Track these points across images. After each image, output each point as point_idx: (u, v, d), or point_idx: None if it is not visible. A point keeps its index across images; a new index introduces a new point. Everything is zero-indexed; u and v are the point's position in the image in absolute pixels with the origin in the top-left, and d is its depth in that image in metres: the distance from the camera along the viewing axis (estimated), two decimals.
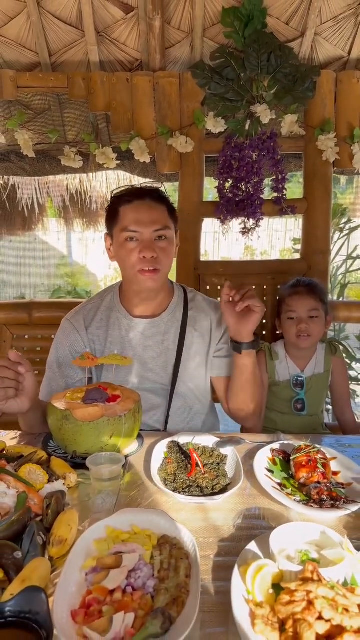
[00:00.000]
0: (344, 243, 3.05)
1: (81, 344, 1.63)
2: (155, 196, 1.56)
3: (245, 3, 2.04)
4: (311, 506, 1.08)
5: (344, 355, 3.28)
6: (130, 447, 1.36)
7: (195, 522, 1.06)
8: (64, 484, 1.14)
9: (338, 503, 1.08)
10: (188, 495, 1.11)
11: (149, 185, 1.60)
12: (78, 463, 1.24)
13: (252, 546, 0.91)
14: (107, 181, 5.14)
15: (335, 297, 3.22)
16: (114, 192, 1.60)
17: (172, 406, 1.64)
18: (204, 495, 1.12)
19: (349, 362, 3.26)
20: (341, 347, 2.04)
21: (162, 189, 1.62)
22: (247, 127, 2.14)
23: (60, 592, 0.78)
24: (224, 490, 1.14)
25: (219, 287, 2.28)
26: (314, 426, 1.95)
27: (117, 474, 1.18)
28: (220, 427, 1.86)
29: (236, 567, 0.84)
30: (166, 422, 1.65)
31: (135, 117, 2.18)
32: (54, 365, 1.64)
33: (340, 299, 3.19)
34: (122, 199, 1.55)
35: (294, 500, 1.11)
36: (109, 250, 1.62)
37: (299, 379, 1.91)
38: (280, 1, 2.07)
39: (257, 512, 1.10)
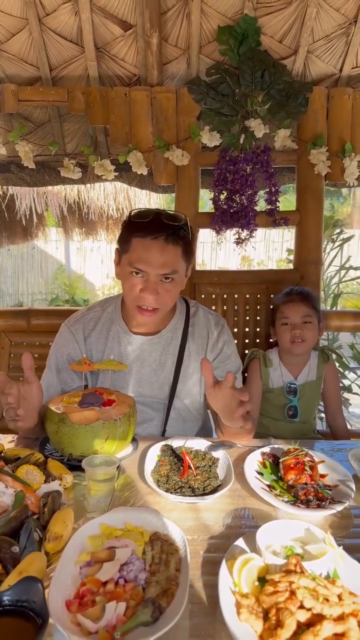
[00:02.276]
0: (337, 254, 3.11)
1: (78, 352, 1.63)
2: (172, 235, 1.44)
3: (240, 22, 2.11)
4: (298, 506, 1.13)
5: (337, 364, 3.33)
6: (125, 450, 1.40)
7: (187, 521, 1.09)
8: (60, 484, 1.17)
9: (324, 503, 1.12)
10: (180, 495, 1.15)
11: (169, 216, 1.46)
12: (74, 465, 1.28)
13: (240, 542, 0.94)
14: (105, 192, 5.22)
15: (328, 307, 3.28)
16: (133, 214, 1.49)
17: (168, 419, 1.65)
18: (195, 496, 1.16)
19: (342, 370, 3.30)
20: (333, 355, 2.08)
21: (186, 219, 1.50)
22: (241, 141, 2.20)
23: (56, 583, 0.82)
24: (214, 491, 1.18)
25: (213, 296, 2.33)
26: (305, 432, 1.99)
27: (111, 476, 1.21)
28: (213, 434, 1.88)
29: (224, 561, 0.88)
30: (163, 434, 1.67)
31: (133, 130, 2.24)
32: (53, 368, 1.65)
33: (334, 309, 3.25)
34: (138, 228, 1.45)
35: (282, 500, 1.15)
36: (116, 265, 1.57)
37: (292, 386, 1.95)
38: (273, 20, 2.15)
39: (246, 512, 1.14)
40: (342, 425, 2.04)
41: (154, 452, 1.36)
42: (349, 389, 3.23)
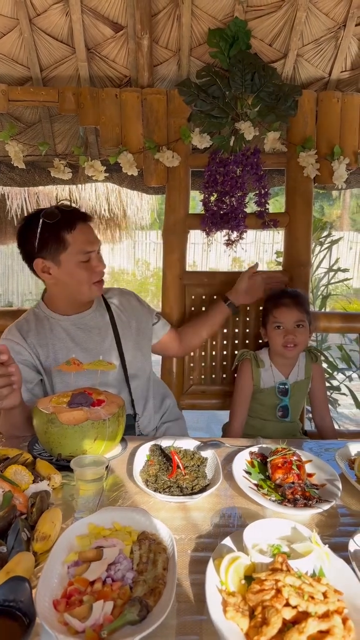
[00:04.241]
0: (325, 255, 3.14)
1: (25, 352, 1.69)
2: (86, 216, 1.73)
3: (231, 24, 2.12)
4: (285, 505, 1.14)
5: (326, 365, 3.36)
6: (114, 450, 1.41)
7: (175, 520, 1.10)
8: (48, 484, 1.18)
9: (311, 502, 1.13)
10: (168, 495, 1.16)
11: (68, 205, 1.71)
12: (63, 465, 1.28)
13: (227, 541, 0.95)
14: (97, 192, 5.21)
15: (317, 308, 3.30)
16: (44, 217, 1.61)
17: (132, 388, 1.79)
18: (184, 495, 1.16)
19: (330, 371, 3.34)
20: (321, 356, 2.10)
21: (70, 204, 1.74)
22: (231, 143, 2.21)
23: (43, 583, 0.82)
24: (203, 490, 1.19)
25: (203, 297, 2.34)
26: (293, 432, 2.00)
27: (100, 475, 1.22)
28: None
29: (211, 560, 0.89)
30: (132, 404, 1.77)
31: (123, 131, 2.24)
32: None
33: (322, 310, 3.28)
34: (64, 224, 1.63)
35: (270, 499, 1.17)
36: (45, 273, 1.67)
37: (283, 386, 1.95)
38: (264, 23, 2.16)
39: (234, 511, 1.15)
40: (329, 425, 2.06)
41: (143, 452, 1.37)
42: (337, 389, 3.26)
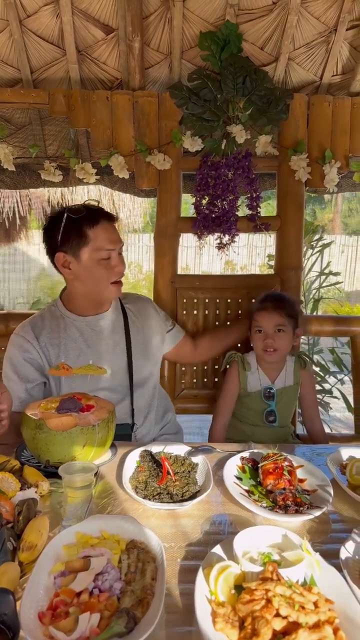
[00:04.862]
0: (317, 259, 3.14)
1: (34, 351, 1.69)
2: (110, 215, 1.74)
3: (222, 28, 2.12)
4: (276, 512, 1.12)
5: (318, 368, 3.36)
6: (103, 456, 1.39)
7: (164, 528, 1.09)
8: (36, 491, 1.16)
9: (302, 508, 1.12)
10: (158, 502, 1.14)
11: (94, 205, 1.74)
12: (51, 472, 1.26)
13: (217, 549, 0.94)
14: (89, 194, 5.19)
15: (308, 312, 3.30)
16: (69, 212, 1.65)
17: (134, 397, 1.76)
18: (174, 502, 1.15)
19: (322, 374, 3.34)
20: (309, 361, 2.07)
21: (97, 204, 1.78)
22: (223, 147, 2.20)
23: (28, 594, 0.80)
24: (193, 497, 1.18)
25: (195, 300, 2.33)
26: (284, 437, 1.99)
27: (89, 482, 1.20)
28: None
29: (200, 569, 0.87)
30: (132, 414, 1.75)
31: (114, 134, 2.23)
32: (12, 376, 1.68)
33: (314, 313, 3.28)
34: (86, 219, 1.65)
35: (261, 506, 1.15)
36: (65, 268, 1.69)
37: (269, 390, 1.94)
38: (255, 27, 2.16)
39: (224, 518, 1.13)
40: (319, 429, 2.04)
41: (133, 458, 1.35)
42: (329, 393, 3.25)
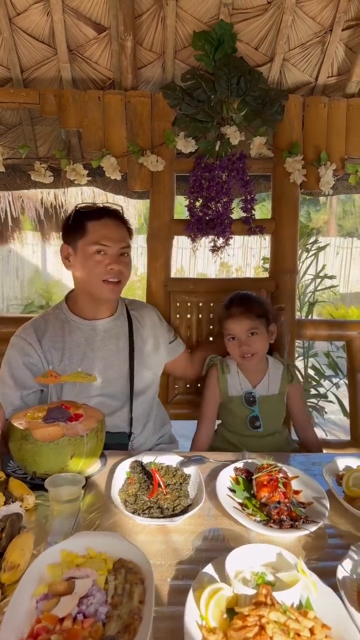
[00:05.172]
0: (312, 262, 3.10)
1: (35, 355, 1.65)
2: (120, 216, 1.75)
3: (216, 27, 2.08)
4: (271, 526, 1.08)
5: (313, 372, 3.33)
6: (92, 467, 1.34)
7: (154, 544, 1.04)
8: (21, 505, 1.11)
9: (297, 523, 1.08)
10: (147, 517, 1.10)
11: (112, 205, 1.77)
12: (38, 484, 1.22)
13: (209, 569, 0.90)
14: (82, 196, 5.14)
15: (303, 315, 3.26)
16: (80, 207, 1.71)
17: (134, 405, 1.74)
18: (164, 517, 1.10)
19: (317, 378, 3.30)
20: (298, 374, 1.97)
21: (121, 210, 1.79)
22: (217, 148, 2.16)
23: (8, 620, 0.75)
24: (184, 511, 1.13)
25: (189, 304, 2.29)
26: (278, 446, 1.88)
27: (76, 496, 1.15)
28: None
29: (191, 591, 0.83)
30: (131, 422, 1.71)
31: (106, 134, 2.18)
32: (8, 380, 1.64)
33: (309, 317, 3.24)
34: (91, 214, 1.68)
35: (255, 520, 1.11)
36: (66, 259, 1.72)
37: (251, 395, 1.84)
38: (249, 27, 2.12)
39: (217, 534, 1.09)
40: (312, 437, 1.96)
41: (123, 469, 1.31)
42: (324, 397, 3.22)
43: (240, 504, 1.19)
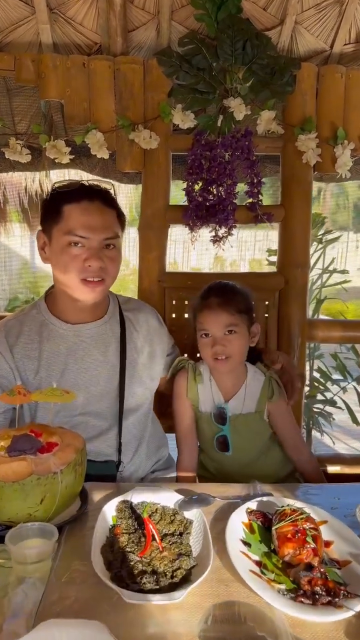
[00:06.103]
0: (320, 255, 2.85)
1: (5, 366, 1.38)
2: (107, 198, 1.42)
3: None
4: (301, 601, 0.82)
5: (318, 374, 3.08)
6: (70, 509, 1.08)
7: (146, 628, 0.78)
8: None
9: (337, 600, 0.82)
10: (138, 590, 0.83)
11: (98, 184, 1.45)
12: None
13: None
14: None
15: (310, 313, 3.01)
16: (56, 185, 1.39)
17: (123, 426, 1.45)
18: (160, 590, 0.84)
19: (323, 382, 3.05)
20: (279, 388, 1.54)
21: (112, 190, 1.47)
22: (219, 123, 1.90)
23: None
24: (187, 578, 0.87)
25: (186, 302, 2.02)
26: (267, 471, 1.51)
27: (46, 556, 0.89)
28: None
29: None
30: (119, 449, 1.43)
31: (92, 106, 1.90)
32: None
33: (316, 316, 2.99)
34: (68, 195, 1.36)
35: (279, 591, 0.85)
36: (42, 250, 1.43)
37: (220, 410, 1.51)
38: None
39: (231, 610, 0.83)
40: (309, 460, 1.57)
41: (109, 513, 1.04)
42: (332, 403, 2.96)
43: (258, 563, 0.93)
